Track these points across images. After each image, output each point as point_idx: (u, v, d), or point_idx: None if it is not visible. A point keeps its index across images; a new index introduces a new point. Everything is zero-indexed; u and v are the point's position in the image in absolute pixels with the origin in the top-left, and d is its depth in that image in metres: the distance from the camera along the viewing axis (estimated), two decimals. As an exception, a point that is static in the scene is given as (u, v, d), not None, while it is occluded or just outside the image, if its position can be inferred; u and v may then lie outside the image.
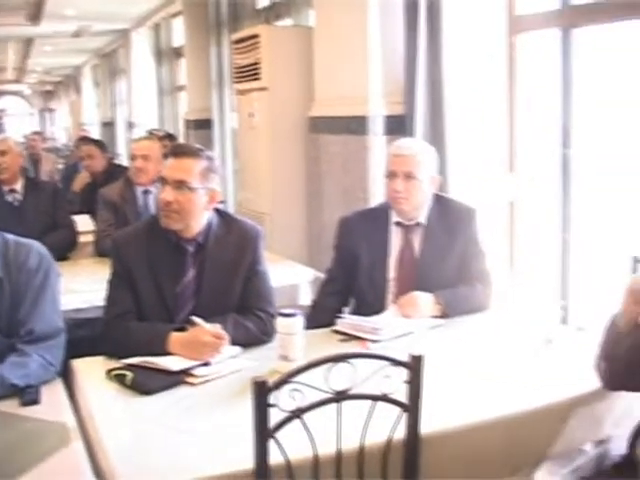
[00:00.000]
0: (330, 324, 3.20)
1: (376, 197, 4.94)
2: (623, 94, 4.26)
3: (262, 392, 1.84)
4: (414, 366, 1.98)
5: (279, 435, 1.89)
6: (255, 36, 5.98)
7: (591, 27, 4.27)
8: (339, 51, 5.25)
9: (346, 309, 3.54)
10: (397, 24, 4.77)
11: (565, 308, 4.44)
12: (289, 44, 5.84)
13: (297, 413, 1.89)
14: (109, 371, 2.64)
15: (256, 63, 5.95)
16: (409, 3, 4.63)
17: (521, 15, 4.68)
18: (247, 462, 1.91)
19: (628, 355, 2.28)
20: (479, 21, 4.76)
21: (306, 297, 4.34)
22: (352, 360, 1.94)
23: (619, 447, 2.43)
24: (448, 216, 3.55)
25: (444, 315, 3.32)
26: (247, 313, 3.00)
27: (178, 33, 10.86)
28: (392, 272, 3.51)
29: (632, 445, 2.35)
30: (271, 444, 1.89)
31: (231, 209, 7.50)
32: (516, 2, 4.70)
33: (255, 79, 6.01)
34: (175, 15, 10.79)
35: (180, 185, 2.90)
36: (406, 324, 3.18)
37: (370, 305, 3.43)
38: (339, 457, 1.95)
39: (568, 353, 2.88)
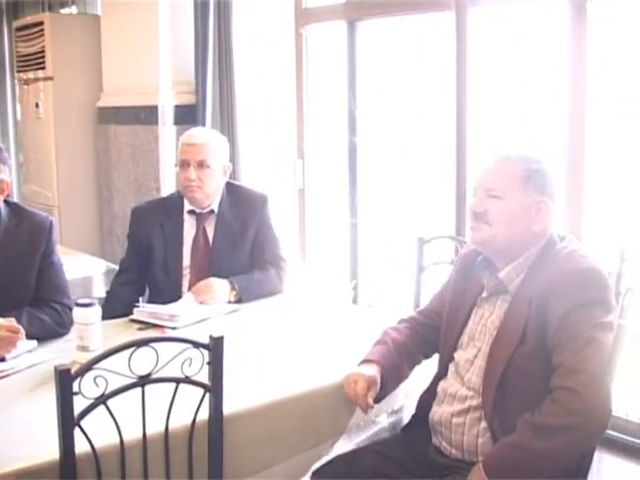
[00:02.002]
0: (126, 314, 3.19)
1: (168, 186, 4.94)
2: (406, 83, 4.49)
3: (65, 380, 1.82)
4: (215, 347, 2.03)
5: (84, 423, 1.89)
6: (39, 24, 5.79)
7: (373, 20, 4.48)
8: (128, 40, 5.20)
9: (142, 298, 3.54)
10: (187, 13, 4.80)
11: (355, 288, 4.62)
12: (76, 33, 5.71)
13: (101, 400, 1.90)
14: None
15: (41, 52, 5.77)
16: (199, -7, 4.67)
17: (308, 8, 4.82)
18: (53, 453, 1.90)
19: None
20: (267, 12, 4.86)
21: (100, 289, 4.28)
22: (154, 345, 1.97)
23: (410, 414, 2.58)
24: (240, 203, 3.62)
25: (239, 300, 3.39)
26: (42, 305, 2.93)
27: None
28: (187, 260, 3.55)
29: (419, 407, 2.51)
30: (77, 433, 1.88)
31: (16, 202, 7.24)
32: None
33: (40, 68, 5.83)
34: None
35: (-32, 178, 2.81)
36: (203, 310, 3.23)
37: (166, 293, 3.46)
38: (145, 441, 1.98)
39: (359, 330, 3.02)
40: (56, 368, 1.83)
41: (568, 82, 3.48)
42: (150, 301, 3.47)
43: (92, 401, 1.89)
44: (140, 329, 3.04)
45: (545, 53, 3.70)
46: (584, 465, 2.23)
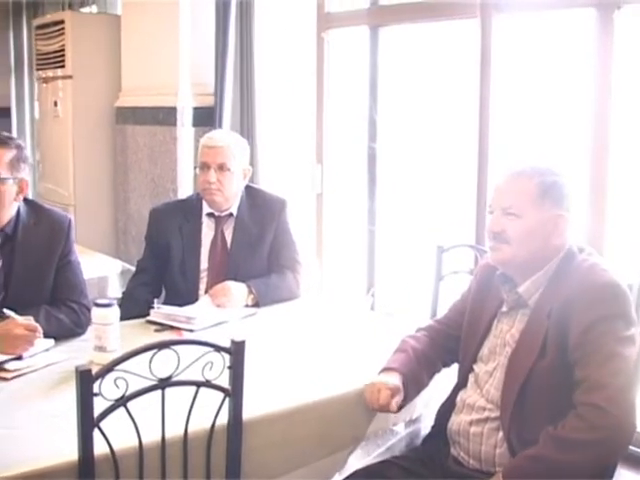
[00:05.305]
0: (142, 315, 3.17)
1: (185, 188, 4.94)
2: (428, 90, 4.47)
3: (86, 381, 1.81)
4: (236, 351, 2.01)
5: (103, 424, 1.87)
6: (60, 22, 5.81)
7: (397, 26, 4.46)
8: (148, 41, 5.20)
9: (157, 300, 3.52)
10: (209, 15, 4.80)
11: (373, 295, 4.60)
12: (96, 32, 5.72)
13: (121, 402, 1.88)
14: None
15: (61, 50, 5.79)
16: (221, -5, 4.66)
17: (330, 12, 4.80)
18: (71, 453, 1.88)
19: None
20: (290, 16, 4.85)
21: (115, 289, 4.27)
22: (174, 347, 1.95)
23: (428, 425, 2.56)
24: (259, 207, 3.60)
25: (256, 304, 3.37)
26: (60, 305, 2.92)
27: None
28: (204, 262, 3.53)
29: (438, 417, 2.49)
30: (96, 434, 1.87)
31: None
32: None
33: (60, 67, 5.85)
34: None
35: (-12, 176, 2.78)
36: (219, 313, 3.21)
37: (183, 295, 3.44)
38: (164, 444, 1.96)
39: (378, 338, 3.00)
40: (77, 369, 1.82)
41: (593, 92, 3.46)
42: (166, 303, 3.44)
43: (112, 402, 1.87)
44: (157, 331, 3.03)
45: (571, 62, 3.68)
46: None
